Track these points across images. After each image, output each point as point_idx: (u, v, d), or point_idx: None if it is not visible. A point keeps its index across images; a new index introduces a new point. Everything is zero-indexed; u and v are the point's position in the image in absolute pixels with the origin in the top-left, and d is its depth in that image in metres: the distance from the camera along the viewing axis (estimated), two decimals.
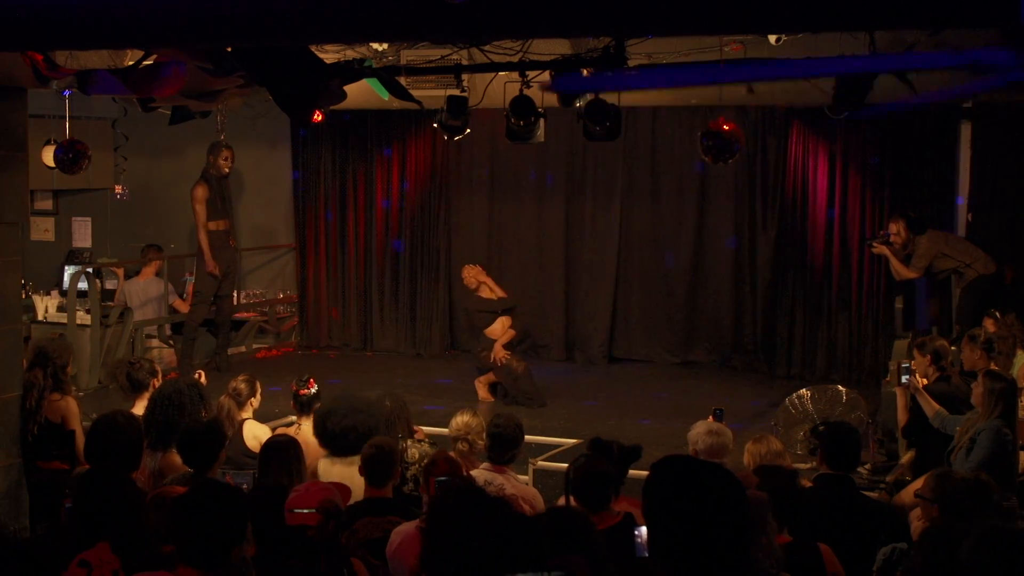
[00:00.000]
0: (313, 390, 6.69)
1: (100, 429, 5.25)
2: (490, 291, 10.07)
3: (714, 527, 2.56)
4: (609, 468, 4.65)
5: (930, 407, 6.65)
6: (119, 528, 3.95)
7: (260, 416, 7.01)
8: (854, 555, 4.69)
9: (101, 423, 5.29)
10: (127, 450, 5.16)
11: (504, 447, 5.56)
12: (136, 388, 6.65)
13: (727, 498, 2.60)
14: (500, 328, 9.92)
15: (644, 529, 3.67)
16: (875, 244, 9.53)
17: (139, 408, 6.45)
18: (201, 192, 10.63)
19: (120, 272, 11.55)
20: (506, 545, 2.88)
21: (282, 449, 5.17)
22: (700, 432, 5.53)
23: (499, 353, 9.73)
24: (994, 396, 6.13)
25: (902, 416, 7.03)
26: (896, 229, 9.24)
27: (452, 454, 5.34)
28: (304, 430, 6.53)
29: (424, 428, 6.96)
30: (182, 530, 3.47)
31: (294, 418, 6.95)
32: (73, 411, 6.62)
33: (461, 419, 5.99)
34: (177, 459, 5.54)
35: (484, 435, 5.84)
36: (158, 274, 11.47)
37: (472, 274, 10.09)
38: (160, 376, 6.81)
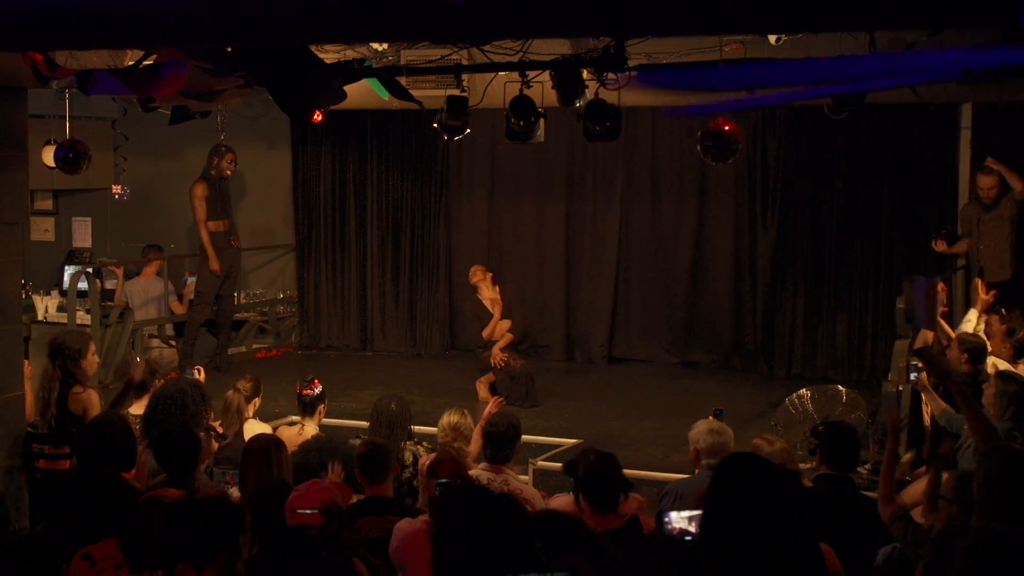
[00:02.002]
0: (317, 390, 6.70)
1: (94, 431, 5.24)
2: (489, 295, 10.10)
3: (776, 525, 2.56)
4: (619, 470, 4.65)
5: (937, 405, 6.61)
6: (119, 526, 3.96)
7: (260, 416, 7.01)
8: (854, 555, 4.69)
9: (95, 425, 5.29)
10: (121, 451, 5.15)
11: (498, 446, 5.57)
12: (141, 389, 6.66)
13: (793, 499, 2.60)
14: (499, 331, 9.95)
15: (674, 515, 3.70)
16: (938, 241, 9.42)
17: (139, 408, 6.46)
18: (200, 190, 10.65)
19: (120, 272, 11.56)
20: (515, 543, 2.88)
21: (262, 451, 5.12)
22: (701, 431, 5.53)
23: (497, 357, 9.76)
24: (1006, 398, 6.08)
25: (906, 409, 6.98)
26: (991, 183, 8.94)
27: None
28: (307, 430, 6.54)
29: (424, 428, 6.96)
30: (169, 544, 3.50)
31: (296, 418, 6.96)
32: (95, 403, 6.61)
33: (448, 420, 5.99)
34: None
35: (472, 435, 5.87)
36: (159, 274, 11.48)
37: (478, 278, 10.11)
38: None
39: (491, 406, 6.17)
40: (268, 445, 5.15)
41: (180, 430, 5.31)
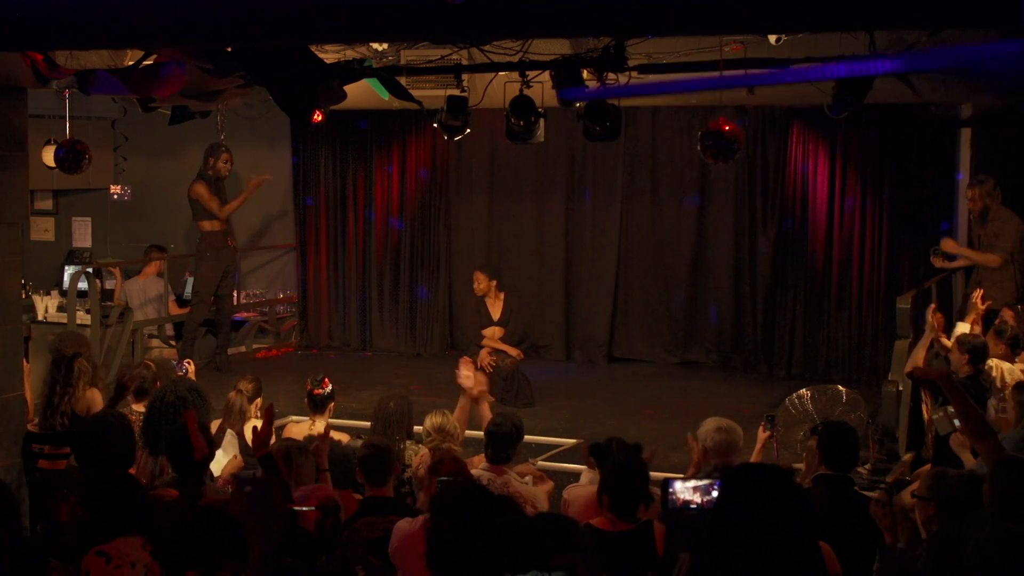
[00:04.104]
0: (327, 389, 6.72)
1: (93, 428, 5.22)
2: (492, 302, 10.10)
3: (784, 539, 2.56)
4: (645, 480, 4.66)
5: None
6: (134, 525, 3.96)
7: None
8: (854, 555, 4.69)
9: (94, 424, 5.27)
10: (121, 449, 5.13)
11: (500, 446, 5.57)
12: (141, 392, 6.68)
13: (802, 513, 2.61)
14: (488, 335, 9.95)
15: (678, 484, 3.77)
16: (936, 258, 9.31)
17: (142, 407, 6.49)
18: (203, 187, 10.67)
19: (117, 272, 11.55)
20: (511, 543, 2.88)
21: (283, 456, 5.11)
22: (709, 429, 5.52)
23: (484, 360, 9.73)
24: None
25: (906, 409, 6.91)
26: (971, 195, 8.73)
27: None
28: (317, 428, 6.56)
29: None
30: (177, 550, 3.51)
31: (295, 417, 6.97)
32: (98, 402, 6.62)
33: (432, 422, 5.99)
34: None
35: (457, 433, 5.89)
36: (159, 274, 11.48)
37: (483, 289, 10.09)
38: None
39: (461, 367, 6.26)
40: (290, 450, 5.14)
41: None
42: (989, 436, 4.49)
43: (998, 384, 6.84)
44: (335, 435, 6.34)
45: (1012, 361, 7.18)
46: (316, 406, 6.73)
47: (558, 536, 3.47)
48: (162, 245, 11.91)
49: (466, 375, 6.58)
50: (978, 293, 8.20)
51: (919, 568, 4.04)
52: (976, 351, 6.85)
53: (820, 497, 5.13)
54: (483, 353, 9.81)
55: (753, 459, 5.69)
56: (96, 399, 6.63)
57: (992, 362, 7.00)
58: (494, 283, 10.16)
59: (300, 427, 6.68)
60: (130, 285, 11.37)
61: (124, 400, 6.60)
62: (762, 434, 5.93)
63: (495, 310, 10.11)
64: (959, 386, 4.88)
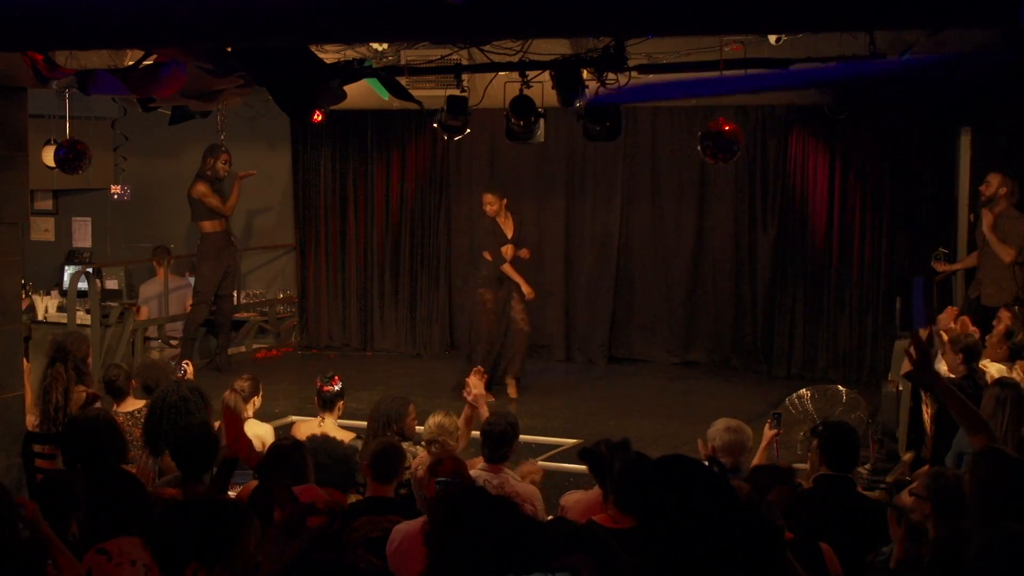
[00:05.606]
0: (337, 387, 6.72)
1: (79, 428, 5.20)
2: (504, 221, 10.03)
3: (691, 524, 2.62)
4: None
5: None
6: (136, 524, 3.96)
7: (260, 416, 7.01)
8: (854, 556, 4.69)
9: (80, 422, 5.25)
10: (103, 447, 5.12)
11: (496, 445, 5.56)
12: (119, 393, 6.68)
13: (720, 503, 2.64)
14: (505, 252, 9.88)
15: None
16: (938, 263, 9.32)
17: (127, 406, 6.50)
18: (204, 186, 10.68)
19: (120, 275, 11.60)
20: (512, 545, 2.87)
21: (282, 454, 5.11)
22: (719, 428, 5.52)
23: (509, 253, 9.71)
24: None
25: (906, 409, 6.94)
26: (997, 182, 8.65)
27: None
28: (327, 425, 6.56)
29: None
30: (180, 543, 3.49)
31: (294, 418, 6.96)
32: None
33: (434, 420, 6.01)
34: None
35: (458, 433, 5.88)
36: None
37: (494, 209, 9.94)
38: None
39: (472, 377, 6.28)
40: (288, 448, 5.12)
41: (200, 429, 5.28)
42: (983, 431, 4.48)
43: None
44: (338, 434, 6.35)
45: (1010, 366, 7.17)
46: (325, 404, 6.72)
47: (570, 538, 3.47)
48: (166, 246, 11.95)
49: (475, 383, 6.57)
50: (951, 312, 8.11)
51: (924, 568, 4.04)
52: (970, 351, 6.85)
53: (820, 497, 5.14)
54: (507, 255, 9.80)
55: (758, 457, 5.68)
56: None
57: (986, 363, 7.01)
58: (504, 201, 10.04)
59: (308, 425, 6.67)
60: (148, 288, 11.44)
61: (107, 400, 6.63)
62: (768, 432, 5.93)
63: (508, 228, 10.01)
64: (948, 383, 4.87)
